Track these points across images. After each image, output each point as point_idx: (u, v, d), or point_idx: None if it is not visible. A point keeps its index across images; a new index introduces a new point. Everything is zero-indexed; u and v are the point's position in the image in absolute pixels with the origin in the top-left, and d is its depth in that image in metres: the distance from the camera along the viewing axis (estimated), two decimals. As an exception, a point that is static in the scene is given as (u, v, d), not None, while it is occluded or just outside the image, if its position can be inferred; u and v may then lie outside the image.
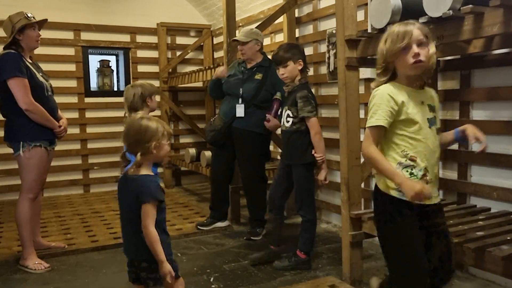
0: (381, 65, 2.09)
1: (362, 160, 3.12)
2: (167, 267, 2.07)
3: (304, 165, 3.33)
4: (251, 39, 4.01)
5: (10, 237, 4.13)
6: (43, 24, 3.54)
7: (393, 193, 2.03)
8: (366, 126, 2.06)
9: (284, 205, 3.63)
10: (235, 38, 4.13)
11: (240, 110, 4.03)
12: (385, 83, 2.08)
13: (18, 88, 3.26)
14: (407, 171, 2.02)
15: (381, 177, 2.07)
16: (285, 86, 3.41)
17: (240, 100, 4.03)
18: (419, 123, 2.02)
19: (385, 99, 2.01)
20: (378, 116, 2.01)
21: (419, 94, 2.09)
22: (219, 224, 4.37)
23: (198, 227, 4.33)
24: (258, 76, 4.03)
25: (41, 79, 3.44)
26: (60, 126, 3.50)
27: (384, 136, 2.07)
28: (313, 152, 3.28)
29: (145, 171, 2.17)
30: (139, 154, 2.10)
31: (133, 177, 2.15)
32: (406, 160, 2.02)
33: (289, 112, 3.31)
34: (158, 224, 2.11)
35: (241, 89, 4.02)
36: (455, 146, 3.29)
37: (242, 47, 4.04)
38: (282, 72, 3.32)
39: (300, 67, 3.29)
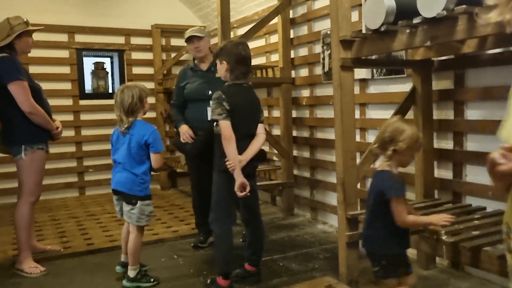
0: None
1: (357, 160, 3.13)
2: None
3: (216, 171, 3.05)
4: (205, 35, 3.94)
5: (6, 241, 4.11)
6: (38, 30, 3.56)
7: None
8: None
9: (233, 213, 3.23)
10: (191, 34, 3.90)
11: None
12: None
13: (20, 91, 3.25)
14: None
15: None
16: None
17: (210, 103, 3.65)
18: None
19: None
20: None
21: None
22: (212, 239, 3.87)
23: (199, 245, 3.99)
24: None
25: (36, 82, 3.45)
26: (57, 128, 3.51)
27: None
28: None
29: (389, 168, 2.25)
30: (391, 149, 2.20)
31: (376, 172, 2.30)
32: None
33: None
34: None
35: (209, 91, 3.78)
36: (450, 146, 3.31)
37: (198, 43, 3.90)
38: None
39: (224, 69, 3.01)
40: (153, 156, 3.08)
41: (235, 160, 2.88)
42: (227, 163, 2.90)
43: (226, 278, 3.04)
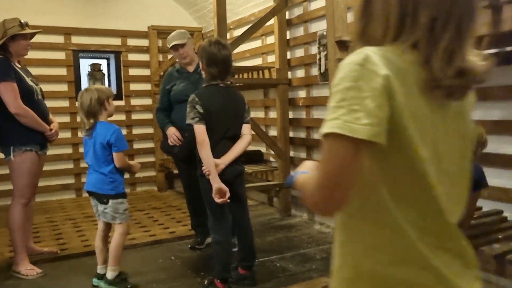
0: None
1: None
2: None
3: (199, 176, 2.98)
4: (187, 39, 3.88)
5: (2, 243, 4.09)
6: (36, 33, 3.55)
7: None
8: None
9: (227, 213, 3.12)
10: (173, 43, 3.82)
11: None
12: None
13: (7, 92, 3.25)
14: None
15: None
16: None
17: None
18: None
19: None
20: None
21: None
22: (209, 240, 3.88)
23: (196, 246, 3.98)
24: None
25: (30, 83, 3.42)
26: (51, 130, 3.49)
27: None
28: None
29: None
30: None
31: None
32: None
33: None
34: None
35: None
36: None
37: (182, 49, 3.83)
38: None
39: (202, 68, 2.98)
40: (115, 156, 3.04)
41: (209, 164, 2.82)
42: (202, 168, 2.87)
43: (224, 282, 3.03)
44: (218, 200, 2.83)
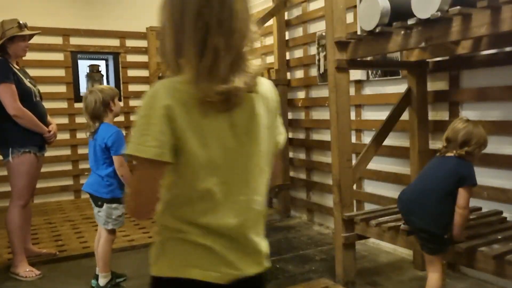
0: None
1: (353, 161, 3.13)
2: None
3: None
4: None
5: (0, 245, 4.08)
6: (35, 34, 3.54)
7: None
8: None
9: None
10: None
11: None
12: None
13: (6, 94, 3.24)
14: None
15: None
16: None
17: None
18: None
19: None
20: None
21: None
22: None
23: None
24: None
25: (28, 84, 3.41)
26: (49, 131, 3.48)
27: None
28: None
29: None
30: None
31: None
32: None
33: None
34: None
35: None
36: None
37: None
38: None
39: None
40: (114, 159, 3.00)
41: None
42: None
43: None
44: None
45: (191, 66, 1.11)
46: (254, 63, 1.20)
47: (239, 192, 1.18)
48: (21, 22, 3.40)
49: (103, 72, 6.74)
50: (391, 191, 3.70)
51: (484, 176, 3.05)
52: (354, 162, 3.15)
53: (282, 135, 1.36)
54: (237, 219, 1.17)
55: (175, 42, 1.14)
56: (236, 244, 1.18)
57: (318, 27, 4.55)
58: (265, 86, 1.27)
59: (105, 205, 3.05)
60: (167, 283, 1.19)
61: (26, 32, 3.43)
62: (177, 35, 1.14)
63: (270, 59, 5.33)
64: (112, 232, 3.14)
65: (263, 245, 1.26)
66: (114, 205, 3.06)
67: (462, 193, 2.32)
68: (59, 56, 6.15)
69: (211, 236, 1.15)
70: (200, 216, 1.14)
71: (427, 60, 3.31)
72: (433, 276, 2.40)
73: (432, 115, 3.39)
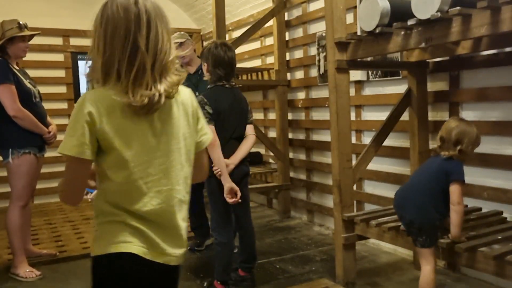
0: None
1: (353, 162, 3.13)
2: None
3: (208, 177, 2.98)
4: (186, 39, 3.89)
5: (1, 245, 4.08)
6: (35, 35, 3.54)
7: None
8: None
9: (230, 216, 3.10)
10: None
11: None
12: None
13: (6, 94, 3.24)
14: None
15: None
16: None
17: None
18: None
19: None
20: None
21: None
22: (208, 242, 3.98)
23: (196, 248, 3.98)
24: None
25: (28, 85, 3.41)
26: (49, 132, 3.48)
27: None
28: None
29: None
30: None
31: None
32: None
33: None
34: None
35: (197, 93, 3.68)
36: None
37: (181, 48, 3.82)
38: None
39: (205, 70, 3.00)
40: None
41: (221, 165, 2.82)
42: (213, 168, 2.83)
43: (224, 284, 3.02)
44: (230, 200, 2.83)
45: (123, 79, 1.32)
46: (175, 75, 1.44)
47: (161, 183, 1.39)
48: (21, 22, 3.40)
49: (103, 72, 6.74)
50: (391, 192, 3.68)
51: (484, 177, 3.06)
52: (354, 162, 3.15)
53: (206, 136, 1.57)
54: (160, 206, 1.39)
55: (106, 59, 1.33)
56: (160, 227, 1.40)
57: (318, 28, 4.55)
58: (184, 94, 1.51)
59: None
60: (101, 261, 1.42)
61: (26, 32, 3.43)
62: (108, 54, 1.33)
63: (270, 59, 5.33)
64: None
65: (184, 229, 1.49)
66: None
67: (452, 190, 2.37)
68: (59, 57, 6.16)
69: (139, 220, 1.37)
70: (129, 203, 1.36)
71: (427, 60, 3.31)
72: (426, 269, 2.44)
73: (432, 116, 3.39)
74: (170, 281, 1.55)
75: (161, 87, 1.35)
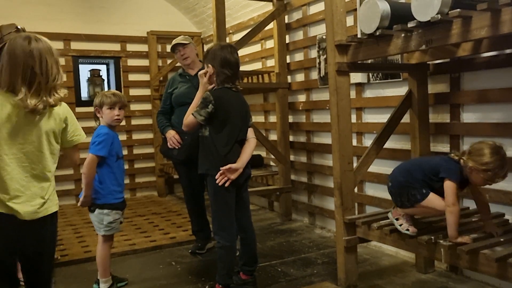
0: None
1: (354, 164, 3.13)
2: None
3: (209, 176, 2.93)
4: (189, 42, 3.93)
5: (2, 250, 4.08)
6: None
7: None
8: None
9: (233, 218, 3.06)
10: (175, 43, 3.94)
11: None
12: None
13: None
14: None
15: None
16: None
17: None
18: None
19: None
20: None
21: None
22: (210, 245, 3.97)
23: (197, 251, 3.96)
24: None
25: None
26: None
27: None
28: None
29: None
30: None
31: None
32: None
33: None
34: None
35: None
36: (446, 149, 3.31)
37: (184, 50, 3.90)
38: None
39: (211, 72, 2.95)
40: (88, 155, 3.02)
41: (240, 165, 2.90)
42: (221, 170, 2.83)
43: (226, 287, 3.02)
44: (220, 178, 2.83)
45: (23, 91, 1.90)
46: (60, 92, 2.07)
47: (29, 168, 2.00)
48: (19, 27, 3.39)
49: (104, 76, 6.76)
50: (393, 194, 3.69)
51: (486, 178, 3.05)
52: (355, 165, 3.15)
53: (78, 136, 2.30)
54: (26, 185, 1.99)
55: (9, 76, 1.93)
56: (23, 199, 1.98)
57: (319, 30, 4.56)
58: (60, 107, 2.10)
59: (96, 211, 3.05)
60: None
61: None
62: (11, 73, 1.94)
63: (271, 62, 5.34)
64: (107, 238, 3.13)
65: (41, 204, 2.07)
66: (105, 211, 3.06)
67: (444, 189, 2.43)
68: (60, 61, 6.15)
69: (9, 193, 1.95)
70: (4, 182, 1.94)
71: (428, 62, 3.31)
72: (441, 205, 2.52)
73: (433, 118, 3.38)
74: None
75: (47, 100, 1.96)
